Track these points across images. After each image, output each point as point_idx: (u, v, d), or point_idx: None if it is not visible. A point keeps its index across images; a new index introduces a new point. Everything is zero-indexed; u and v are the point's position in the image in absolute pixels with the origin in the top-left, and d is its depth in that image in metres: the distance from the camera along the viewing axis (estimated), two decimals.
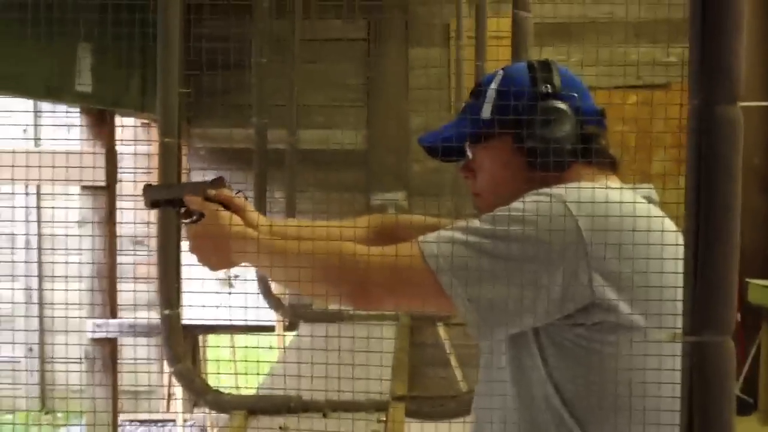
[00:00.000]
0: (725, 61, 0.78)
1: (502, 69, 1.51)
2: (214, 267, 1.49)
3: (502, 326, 1.29)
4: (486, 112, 1.45)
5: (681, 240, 1.36)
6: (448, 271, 1.27)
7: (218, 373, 5.36)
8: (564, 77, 1.43)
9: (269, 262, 1.41)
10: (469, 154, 1.51)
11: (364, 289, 1.34)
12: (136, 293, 4.56)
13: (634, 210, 1.26)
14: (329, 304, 1.44)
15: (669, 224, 1.34)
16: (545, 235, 1.24)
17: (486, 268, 1.25)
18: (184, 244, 1.52)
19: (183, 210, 1.52)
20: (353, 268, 1.33)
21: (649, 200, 1.38)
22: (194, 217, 1.48)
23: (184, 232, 1.50)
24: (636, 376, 1.24)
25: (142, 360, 5.17)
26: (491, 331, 1.30)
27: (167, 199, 1.55)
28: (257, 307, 3.15)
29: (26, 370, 6.16)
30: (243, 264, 1.46)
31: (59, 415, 6.26)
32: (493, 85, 1.46)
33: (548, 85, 1.41)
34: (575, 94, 1.41)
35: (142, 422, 5.73)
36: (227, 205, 1.47)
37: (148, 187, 1.56)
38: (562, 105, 1.39)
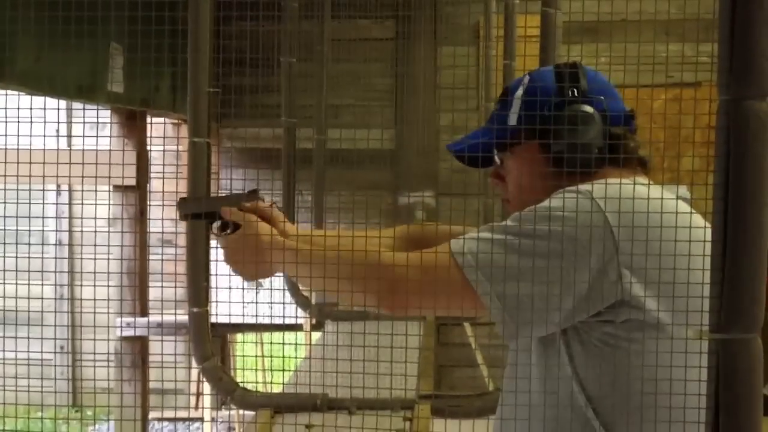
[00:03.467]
0: (755, 56, 0.77)
1: (529, 73, 1.50)
2: (251, 277, 1.50)
3: (530, 324, 1.28)
4: (513, 118, 1.45)
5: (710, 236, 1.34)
6: (476, 268, 1.27)
7: (243, 368, 5.39)
8: (591, 79, 1.42)
9: (304, 271, 1.42)
10: (498, 160, 1.51)
11: (393, 290, 1.34)
12: (164, 290, 4.60)
13: (662, 206, 1.25)
14: (362, 307, 1.45)
15: (699, 221, 1.33)
16: (574, 232, 1.24)
17: (514, 266, 1.25)
18: (220, 255, 1.54)
19: (219, 223, 1.53)
20: (380, 270, 1.33)
21: (681, 198, 1.37)
22: (228, 230, 1.50)
23: (218, 243, 1.51)
24: (663, 375, 1.23)
25: (171, 358, 5.21)
26: (519, 328, 1.29)
27: (203, 212, 1.56)
28: (283, 303, 3.16)
29: (54, 365, 6.23)
30: (278, 274, 1.48)
31: (89, 413, 6.32)
32: (520, 91, 1.45)
33: (575, 89, 1.40)
34: (602, 97, 1.40)
35: (171, 420, 5.76)
36: (262, 217, 1.49)
37: (183, 201, 1.58)
38: (588, 109, 1.38)
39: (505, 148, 1.47)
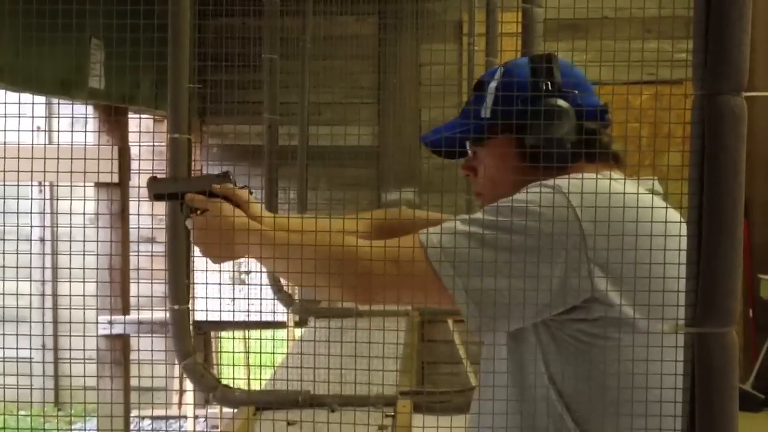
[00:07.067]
0: (729, 51, 0.77)
1: (503, 65, 1.49)
2: (217, 259, 1.48)
3: (501, 319, 1.27)
4: (486, 110, 1.44)
5: (684, 231, 1.35)
6: (447, 262, 1.26)
7: (221, 364, 5.38)
8: (565, 73, 1.41)
9: (271, 254, 1.41)
10: (471, 152, 1.50)
11: (365, 282, 1.32)
12: (145, 288, 4.58)
13: (635, 201, 1.24)
14: (331, 297, 1.43)
15: (672, 215, 1.33)
16: (545, 226, 1.23)
17: (485, 259, 1.24)
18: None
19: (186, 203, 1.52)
20: (354, 260, 1.31)
21: (653, 192, 1.37)
22: (198, 211, 1.49)
23: (187, 225, 1.50)
24: (636, 371, 1.23)
25: (154, 356, 5.19)
26: (490, 323, 1.28)
27: (171, 192, 1.54)
28: (264, 298, 3.16)
29: (32, 361, 6.19)
30: (245, 256, 1.46)
31: (71, 411, 6.29)
32: (493, 83, 1.45)
33: (548, 82, 1.39)
34: (575, 91, 1.39)
35: (154, 418, 5.74)
36: (230, 199, 1.47)
37: (152, 180, 1.56)
38: (561, 103, 1.37)
39: (479, 140, 1.46)
